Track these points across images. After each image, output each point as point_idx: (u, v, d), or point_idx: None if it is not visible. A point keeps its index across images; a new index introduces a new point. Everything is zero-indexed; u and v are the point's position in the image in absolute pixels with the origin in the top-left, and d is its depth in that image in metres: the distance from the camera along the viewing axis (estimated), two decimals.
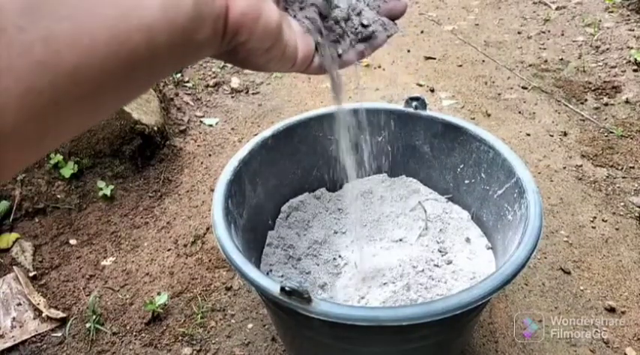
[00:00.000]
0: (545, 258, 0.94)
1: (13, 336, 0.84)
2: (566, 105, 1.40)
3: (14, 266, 0.95)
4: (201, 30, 0.20)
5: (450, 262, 0.73)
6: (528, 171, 0.66)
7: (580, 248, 0.96)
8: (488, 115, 1.38)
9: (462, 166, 0.80)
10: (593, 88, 1.47)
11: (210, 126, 1.39)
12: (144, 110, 1.21)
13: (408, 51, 1.79)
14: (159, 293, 0.89)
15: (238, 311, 0.87)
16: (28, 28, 0.15)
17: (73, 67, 0.16)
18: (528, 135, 1.29)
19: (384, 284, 0.68)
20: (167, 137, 1.26)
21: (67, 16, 0.15)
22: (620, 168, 1.16)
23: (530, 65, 1.64)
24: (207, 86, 1.58)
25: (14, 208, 1.04)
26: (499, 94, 1.49)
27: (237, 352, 0.80)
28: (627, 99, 1.39)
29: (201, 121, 1.41)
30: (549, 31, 1.85)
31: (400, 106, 0.83)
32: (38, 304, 0.88)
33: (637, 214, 1.02)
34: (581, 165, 1.17)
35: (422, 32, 1.95)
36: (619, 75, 1.50)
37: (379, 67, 1.67)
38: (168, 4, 0.18)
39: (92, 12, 0.16)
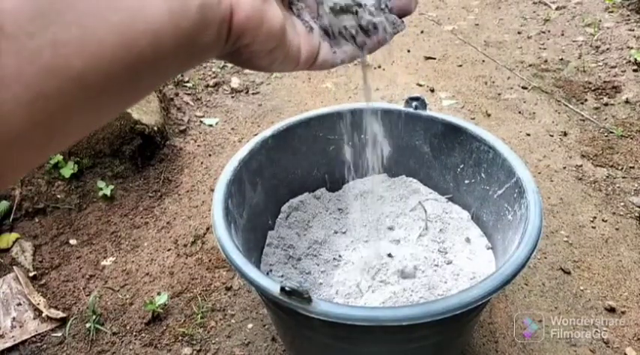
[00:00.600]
0: (545, 258, 0.94)
1: (13, 336, 0.84)
2: (566, 105, 1.40)
3: (14, 266, 0.95)
4: (206, 34, 0.20)
5: (450, 262, 0.73)
6: (528, 171, 0.66)
7: (580, 248, 0.96)
8: (488, 115, 1.38)
9: (462, 166, 0.80)
10: (593, 88, 1.47)
11: (210, 126, 1.39)
12: (144, 110, 1.21)
13: (408, 51, 1.79)
14: (159, 293, 0.89)
15: (238, 311, 0.87)
16: (38, 34, 0.15)
17: (80, 72, 0.16)
18: (528, 135, 1.29)
19: (383, 283, 0.68)
20: (167, 137, 1.26)
21: (75, 21, 0.15)
22: (620, 168, 1.16)
23: (530, 65, 1.64)
24: (207, 86, 1.58)
25: (14, 208, 1.04)
26: (499, 94, 1.49)
27: (237, 352, 0.80)
28: (627, 99, 1.39)
29: (201, 121, 1.41)
30: (549, 31, 1.85)
31: (400, 106, 0.83)
32: (38, 304, 0.88)
33: (637, 214, 1.02)
34: (581, 165, 1.17)
35: (422, 32, 1.95)
36: (619, 75, 1.50)
37: (379, 67, 1.67)
38: (174, 8, 0.18)
39: (100, 17, 0.16)
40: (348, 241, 0.79)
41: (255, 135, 0.82)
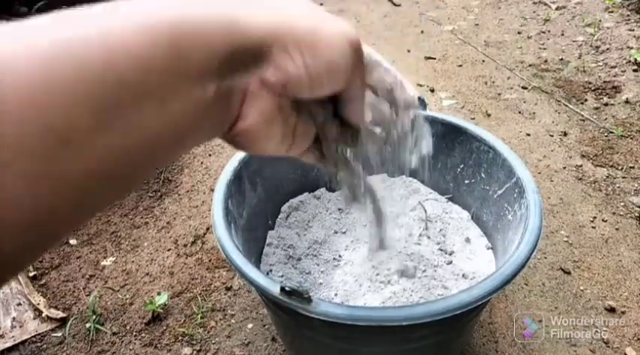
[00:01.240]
0: (545, 258, 0.94)
1: (13, 336, 0.84)
2: (566, 105, 1.40)
3: None
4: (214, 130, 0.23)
5: (450, 262, 0.73)
6: (528, 171, 0.66)
7: (580, 248, 0.96)
8: (488, 115, 1.38)
9: (462, 166, 0.80)
10: (593, 88, 1.47)
11: None
12: None
13: (408, 51, 1.79)
14: (159, 293, 0.89)
15: (238, 311, 0.87)
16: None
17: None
18: (528, 135, 1.29)
19: (383, 283, 0.68)
20: None
21: None
22: (620, 168, 1.16)
23: (530, 65, 1.64)
24: None
25: None
26: (499, 94, 1.49)
27: (237, 352, 0.80)
28: (627, 99, 1.39)
29: None
30: (549, 31, 1.85)
31: None
32: (38, 304, 0.88)
33: (637, 214, 1.02)
34: (581, 165, 1.17)
35: (422, 32, 1.95)
36: (619, 75, 1.51)
37: None
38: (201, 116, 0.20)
39: None
40: (348, 241, 0.79)
41: None
